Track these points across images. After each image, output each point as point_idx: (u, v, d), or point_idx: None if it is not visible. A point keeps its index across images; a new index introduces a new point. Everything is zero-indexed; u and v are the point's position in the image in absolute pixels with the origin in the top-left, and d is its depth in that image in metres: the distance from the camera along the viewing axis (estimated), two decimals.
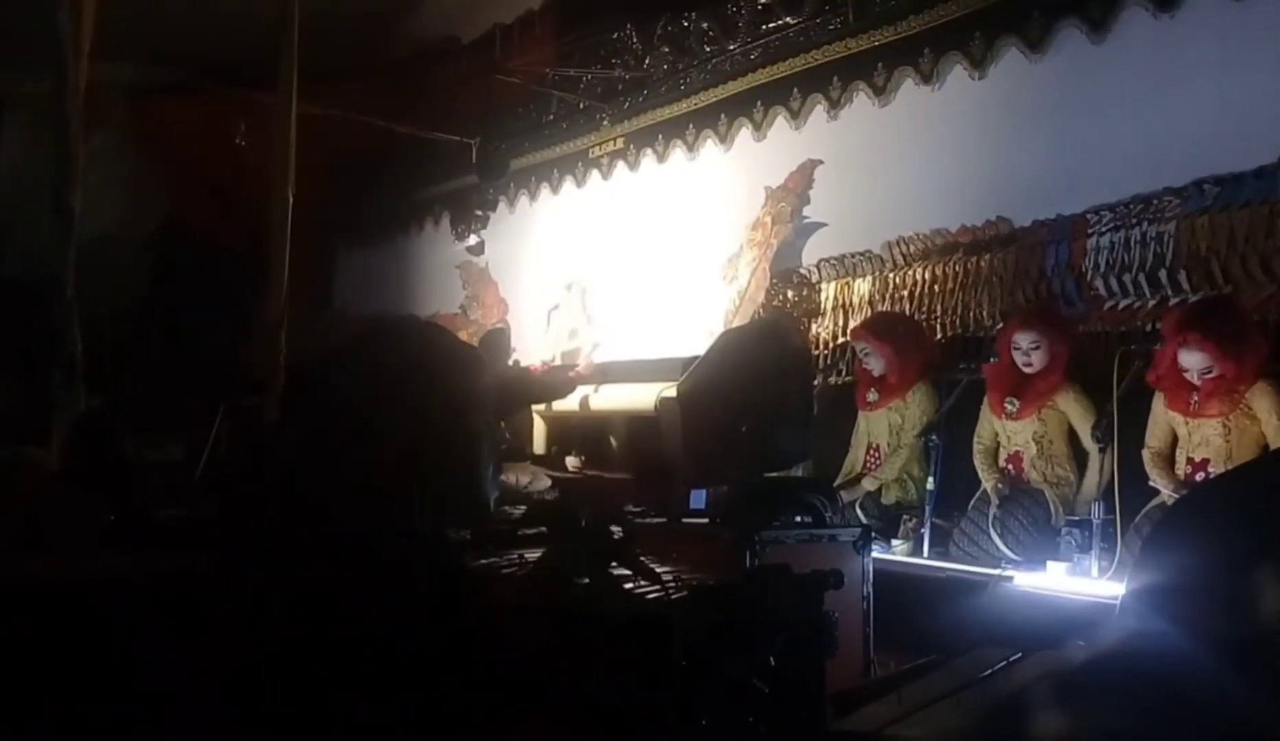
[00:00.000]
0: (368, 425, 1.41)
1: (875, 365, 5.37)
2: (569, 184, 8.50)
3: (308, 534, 1.36)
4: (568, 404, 7.57)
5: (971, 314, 5.50)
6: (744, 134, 7.01)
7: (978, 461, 4.94)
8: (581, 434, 7.41)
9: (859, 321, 5.84)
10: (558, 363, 7.81)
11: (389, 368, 1.45)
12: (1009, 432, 4.86)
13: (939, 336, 5.61)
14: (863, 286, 6.07)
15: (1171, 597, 1.01)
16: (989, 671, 1.80)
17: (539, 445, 7.72)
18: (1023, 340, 4.75)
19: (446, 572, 1.44)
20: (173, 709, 1.30)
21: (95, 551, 3.10)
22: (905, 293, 5.81)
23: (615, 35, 7.94)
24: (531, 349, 8.20)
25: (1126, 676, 0.97)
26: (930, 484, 4.75)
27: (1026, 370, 4.75)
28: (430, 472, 1.44)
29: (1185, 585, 1.00)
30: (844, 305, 6.15)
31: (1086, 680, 1.03)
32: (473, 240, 9.22)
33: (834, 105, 6.39)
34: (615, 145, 8.03)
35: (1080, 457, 4.72)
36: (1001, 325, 5.13)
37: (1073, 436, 4.72)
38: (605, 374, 7.32)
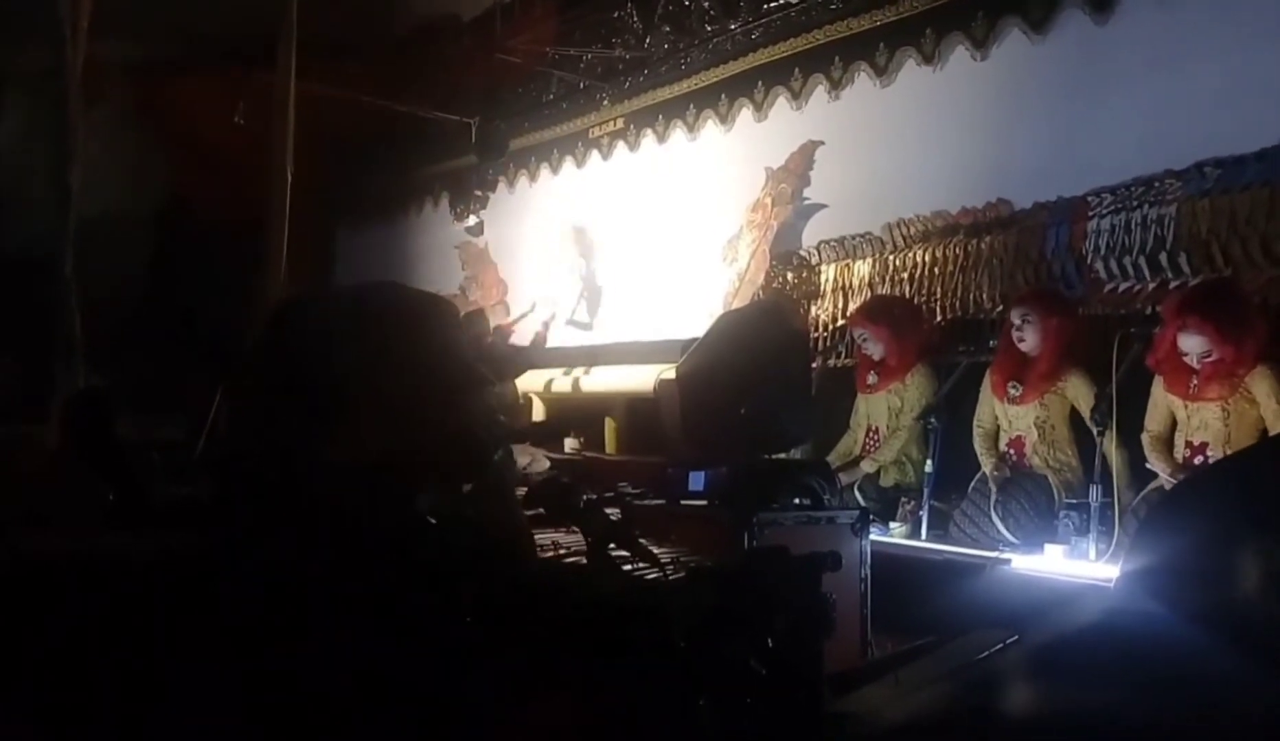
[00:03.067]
0: (339, 390, 1.40)
1: (874, 350, 5.37)
2: (569, 164, 8.47)
3: (295, 509, 1.35)
4: (561, 386, 7.61)
5: (971, 296, 5.49)
6: (745, 114, 6.99)
7: (977, 444, 4.94)
8: (580, 415, 7.42)
9: (858, 304, 5.83)
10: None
11: (350, 326, 1.44)
12: (1010, 417, 4.85)
13: (939, 319, 5.60)
14: (862, 268, 6.06)
15: (1165, 578, 1.01)
16: (986, 653, 1.80)
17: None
18: (1015, 316, 4.76)
19: (443, 549, 1.44)
20: (173, 688, 1.31)
21: (94, 530, 3.11)
22: (905, 275, 5.80)
23: (616, 14, 7.91)
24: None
25: (1104, 652, 0.97)
26: (929, 467, 4.75)
27: (1020, 345, 4.74)
28: (417, 428, 1.43)
29: (1180, 566, 1.00)
30: (844, 287, 6.15)
31: (1062, 655, 1.03)
32: (472, 220, 9.20)
33: (835, 86, 6.37)
34: (615, 125, 8.00)
35: (1083, 442, 4.72)
36: (1002, 308, 5.13)
37: (1074, 421, 4.71)
38: (602, 356, 7.36)
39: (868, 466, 5.32)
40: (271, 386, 1.46)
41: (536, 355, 7.16)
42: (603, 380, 7.43)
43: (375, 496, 1.37)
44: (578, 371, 7.63)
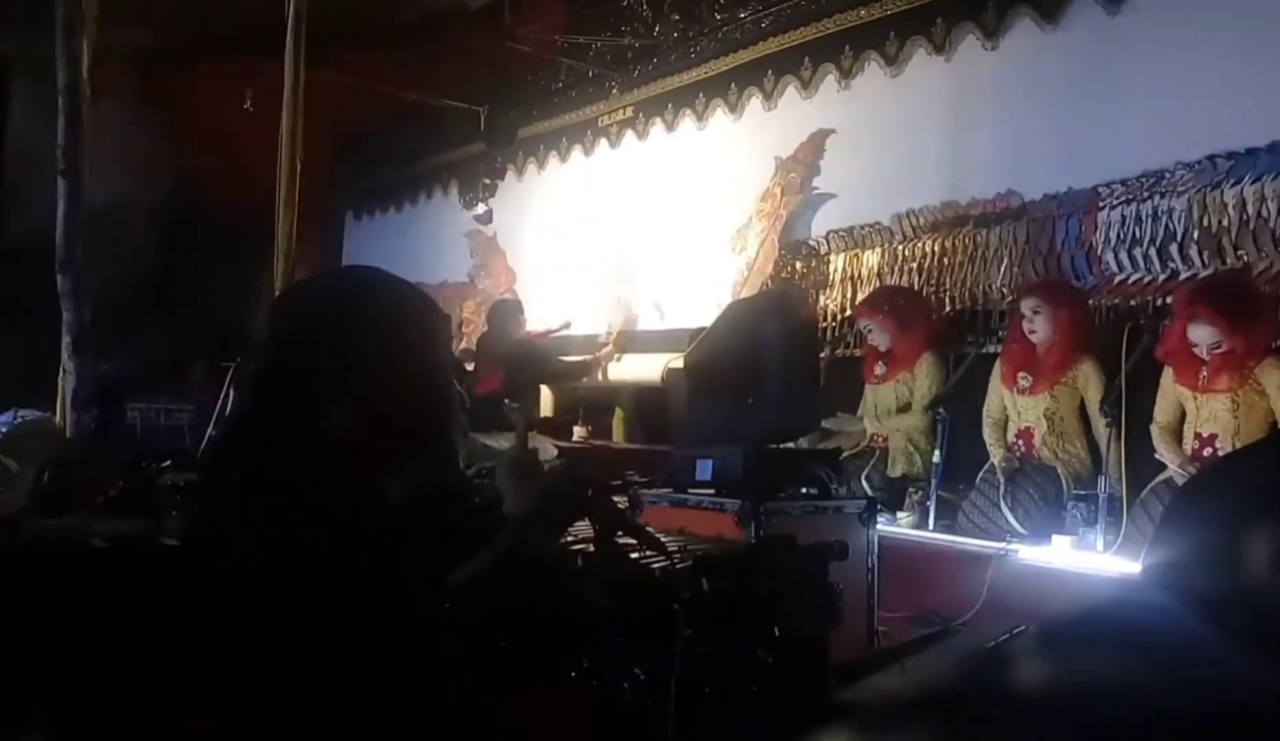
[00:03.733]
0: (315, 379, 1.40)
1: (880, 340, 5.36)
2: (577, 153, 8.46)
3: (281, 495, 1.36)
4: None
5: (980, 287, 5.48)
6: (754, 103, 6.97)
7: (987, 435, 4.93)
8: (588, 404, 7.43)
9: (867, 294, 5.82)
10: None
11: (329, 316, 1.45)
12: (1020, 408, 4.84)
13: (947, 310, 5.59)
14: (871, 258, 6.05)
15: (1174, 569, 1.01)
16: (992, 642, 1.81)
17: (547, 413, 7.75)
18: (1026, 307, 4.75)
19: (446, 537, 1.44)
20: (165, 673, 1.31)
21: (102, 516, 3.12)
22: (914, 265, 5.79)
23: (625, 2, 7.90)
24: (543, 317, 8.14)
25: (1111, 640, 0.97)
26: (936, 457, 4.75)
27: (1031, 336, 4.74)
28: (390, 426, 1.43)
29: (1188, 558, 1.01)
30: (853, 277, 6.14)
31: (1067, 643, 1.03)
32: (481, 209, 9.19)
33: (845, 75, 6.34)
34: (624, 114, 7.99)
35: (1092, 433, 4.71)
36: (1011, 299, 5.12)
37: (1084, 413, 4.71)
38: (625, 344, 7.40)
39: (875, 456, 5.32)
40: (261, 372, 1.47)
41: (582, 369, 7.23)
42: (613, 369, 7.45)
43: (341, 483, 1.38)
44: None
